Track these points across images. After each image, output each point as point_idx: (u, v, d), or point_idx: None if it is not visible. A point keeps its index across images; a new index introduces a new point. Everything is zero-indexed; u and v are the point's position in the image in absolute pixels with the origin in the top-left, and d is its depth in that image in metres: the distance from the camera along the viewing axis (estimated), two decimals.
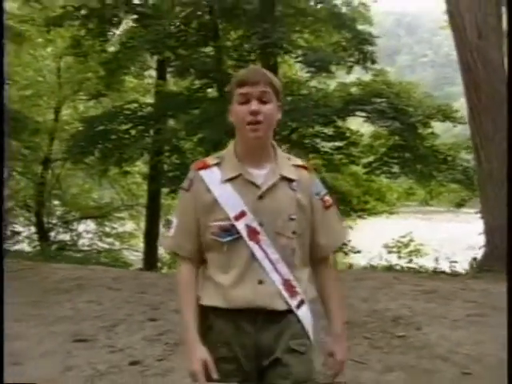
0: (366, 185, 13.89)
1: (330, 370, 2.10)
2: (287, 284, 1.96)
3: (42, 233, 17.70)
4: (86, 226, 19.46)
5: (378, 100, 11.92)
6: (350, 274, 7.95)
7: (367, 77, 13.05)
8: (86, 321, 5.32)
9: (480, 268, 7.85)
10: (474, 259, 8.33)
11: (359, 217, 14.76)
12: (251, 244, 1.94)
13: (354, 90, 12.58)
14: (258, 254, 1.94)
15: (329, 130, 12.13)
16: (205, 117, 11.98)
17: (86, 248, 18.57)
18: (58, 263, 9.41)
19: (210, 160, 2.07)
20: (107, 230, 19.63)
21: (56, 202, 19.21)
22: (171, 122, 14.30)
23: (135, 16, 14.68)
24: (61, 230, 18.67)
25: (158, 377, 4.01)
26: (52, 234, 18.32)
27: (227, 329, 1.96)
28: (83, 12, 14.05)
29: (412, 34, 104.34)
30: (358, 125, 13.88)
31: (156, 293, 6.49)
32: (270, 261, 1.95)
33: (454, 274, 8.01)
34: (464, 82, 8.18)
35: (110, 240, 19.50)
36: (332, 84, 13.12)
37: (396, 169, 12.18)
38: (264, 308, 1.94)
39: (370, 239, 15.57)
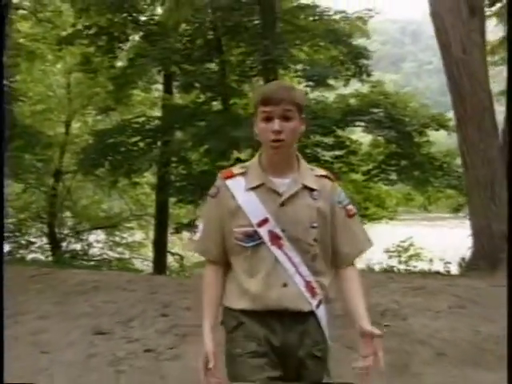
0: (365, 191, 14.43)
1: (373, 367, 2.13)
2: (309, 286, 2.09)
3: (55, 243, 18.26)
4: (97, 236, 20.01)
5: (376, 110, 12.46)
6: None
7: (365, 88, 13.62)
8: (103, 317, 5.88)
9: (468, 267, 8.39)
10: (463, 259, 8.88)
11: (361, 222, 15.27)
12: (273, 248, 2.06)
13: (352, 101, 13.14)
14: (281, 258, 2.06)
15: (329, 140, 12.68)
16: (210, 129, 12.52)
17: (96, 257, 19.13)
18: (73, 269, 9.98)
19: (236, 170, 2.19)
20: (117, 239, 20.18)
21: (67, 213, 19.81)
22: (178, 134, 14.85)
23: (142, 33, 15.32)
24: (72, 240, 19.23)
25: (169, 361, 4.59)
26: (64, 244, 18.89)
27: (258, 327, 2.08)
28: (93, 30, 14.72)
29: (417, 42, 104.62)
30: (359, 134, 14.42)
31: (166, 293, 7.04)
32: (293, 264, 2.06)
33: (446, 274, 8.54)
34: (451, 94, 8.75)
35: (119, 249, 20.02)
36: (331, 96, 13.68)
37: (394, 176, 12.73)
38: (290, 309, 2.07)
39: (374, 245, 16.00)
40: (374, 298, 6.40)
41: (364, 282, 7.08)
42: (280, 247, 2.05)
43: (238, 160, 12.98)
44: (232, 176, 2.16)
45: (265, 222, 2.05)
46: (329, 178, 2.21)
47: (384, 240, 15.41)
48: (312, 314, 2.10)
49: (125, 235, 20.19)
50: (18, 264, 10.70)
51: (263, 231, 2.05)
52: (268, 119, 2.04)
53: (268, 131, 2.04)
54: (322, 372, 2.15)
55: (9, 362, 4.55)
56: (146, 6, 15.62)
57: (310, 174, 2.17)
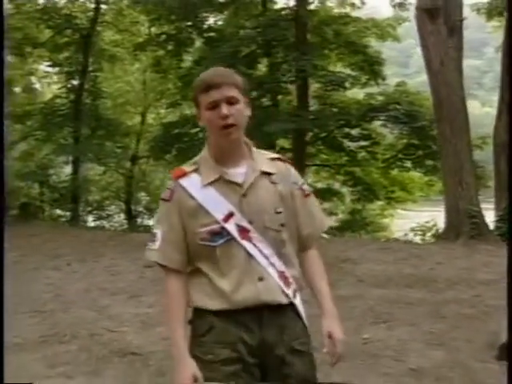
0: (390, 177, 16.60)
1: (330, 352, 2.03)
2: (282, 276, 1.97)
3: (130, 218, 21.28)
4: None
5: (398, 107, 14.65)
6: (349, 240, 10.89)
7: (391, 87, 15.82)
8: None
9: (440, 237, 10.59)
10: (437, 231, 11.04)
11: (388, 204, 17.51)
12: (244, 243, 1.94)
13: (379, 98, 15.37)
14: (253, 251, 1.94)
15: (356, 132, 14.99)
16: (257, 122, 15.00)
17: None
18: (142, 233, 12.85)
19: (187, 168, 2.04)
20: None
21: (142, 193, 22.81)
22: None
23: (204, 39, 17.98)
24: (146, 216, 22.20)
25: None
26: (138, 219, 21.89)
27: (231, 329, 1.94)
28: (162, 38, 17.52)
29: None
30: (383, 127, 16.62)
31: None
32: (265, 256, 1.95)
33: (420, 243, 10.73)
34: (432, 98, 10.93)
35: None
36: (360, 93, 15.95)
37: (408, 164, 14.93)
38: (268, 303, 1.94)
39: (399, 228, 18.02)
40: (346, 252, 8.79)
41: (351, 244, 9.63)
42: (250, 240, 1.94)
43: (282, 149, 15.49)
44: (185, 174, 2.02)
45: (230, 216, 1.94)
46: (282, 160, 2.13)
47: (412, 220, 17.48)
48: (290, 305, 2.00)
49: None
50: (101, 230, 13.65)
51: (230, 226, 1.93)
52: (213, 107, 1.94)
53: (216, 118, 1.93)
54: (309, 368, 2.02)
55: (90, 277, 7.33)
56: (206, 14, 18.27)
57: (264, 159, 2.08)
